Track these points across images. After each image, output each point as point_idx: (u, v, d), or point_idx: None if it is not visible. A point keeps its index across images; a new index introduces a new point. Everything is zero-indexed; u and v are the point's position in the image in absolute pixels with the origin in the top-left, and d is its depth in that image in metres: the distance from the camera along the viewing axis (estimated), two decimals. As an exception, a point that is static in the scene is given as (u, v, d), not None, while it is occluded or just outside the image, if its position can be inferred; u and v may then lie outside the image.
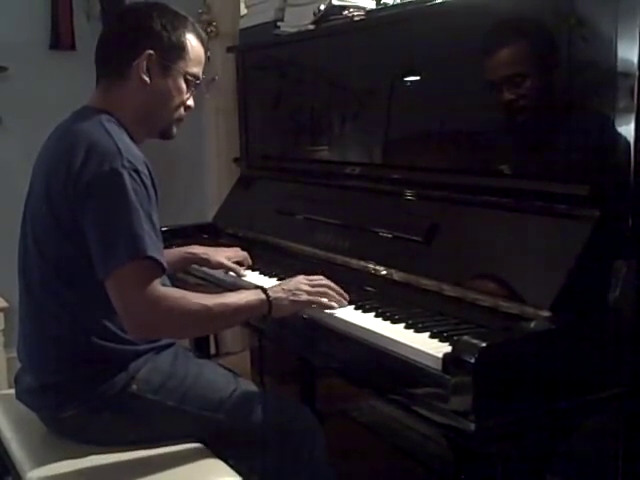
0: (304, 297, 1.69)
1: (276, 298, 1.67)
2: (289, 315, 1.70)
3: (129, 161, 1.55)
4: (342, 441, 2.25)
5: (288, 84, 2.57)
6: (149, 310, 1.53)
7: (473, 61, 1.78)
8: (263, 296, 1.66)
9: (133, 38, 1.69)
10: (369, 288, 1.85)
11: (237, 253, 2.16)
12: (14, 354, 1.80)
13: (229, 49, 2.98)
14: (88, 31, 3.36)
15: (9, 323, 2.97)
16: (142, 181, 1.56)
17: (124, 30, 1.72)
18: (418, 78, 1.97)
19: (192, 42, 1.73)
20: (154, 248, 1.53)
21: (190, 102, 1.78)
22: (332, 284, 1.74)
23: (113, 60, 1.71)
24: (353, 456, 2.29)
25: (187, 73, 1.73)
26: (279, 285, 1.73)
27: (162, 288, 1.55)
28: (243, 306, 1.64)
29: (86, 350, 1.63)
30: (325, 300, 1.71)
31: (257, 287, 1.72)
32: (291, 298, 1.68)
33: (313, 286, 1.72)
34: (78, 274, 1.61)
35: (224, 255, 2.13)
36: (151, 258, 1.52)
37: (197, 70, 1.76)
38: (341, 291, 1.74)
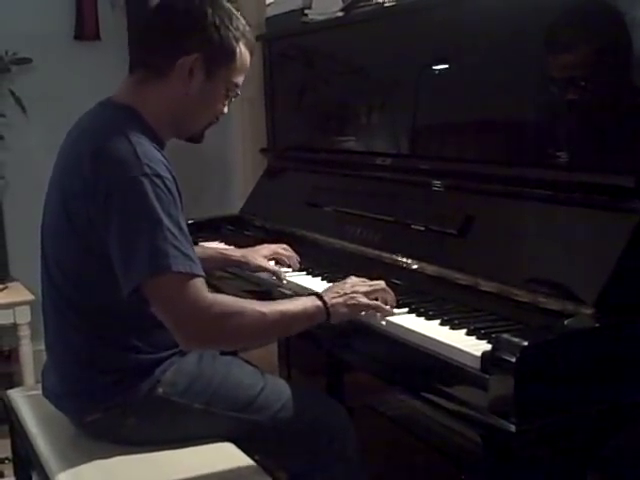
0: (363, 300, 1.59)
1: (334, 304, 1.57)
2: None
3: (149, 166, 1.45)
4: (370, 435, 2.21)
5: (316, 73, 2.52)
6: (198, 319, 1.45)
7: (510, 48, 1.73)
8: (319, 302, 1.57)
9: (182, 34, 1.57)
10: (401, 283, 1.80)
11: (277, 250, 2.04)
12: (41, 347, 1.78)
13: (256, 38, 2.92)
14: (113, 21, 3.38)
15: (35, 316, 2.96)
16: (165, 185, 1.46)
17: (173, 22, 1.59)
18: (452, 66, 1.91)
19: (242, 49, 1.63)
20: (181, 260, 1.43)
21: (225, 109, 1.69)
22: (385, 285, 1.64)
23: (155, 53, 1.60)
24: (381, 450, 2.26)
25: (230, 82, 1.64)
26: (332, 289, 1.62)
27: (211, 295, 1.47)
28: (300, 314, 1.55)
29: (106, 361, 1.58)
30: (385, 305, 1.61)
31: (312, 293, 1.62)
32: (349, 302, 1.58)
33: (369, 287, 1.63)
34: (98, 288, 1.55)
35: (261, 255, 2.01)
36: (178, 272, 1.42)
37: (240, 80, 1.66)
38: (393, 294, 1.64)
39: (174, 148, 1.67)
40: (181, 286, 1.43)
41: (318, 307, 1.56)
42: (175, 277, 1.43)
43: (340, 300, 1.58)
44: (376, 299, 1.63)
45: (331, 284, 1.70)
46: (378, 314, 1.60)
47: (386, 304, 1.62)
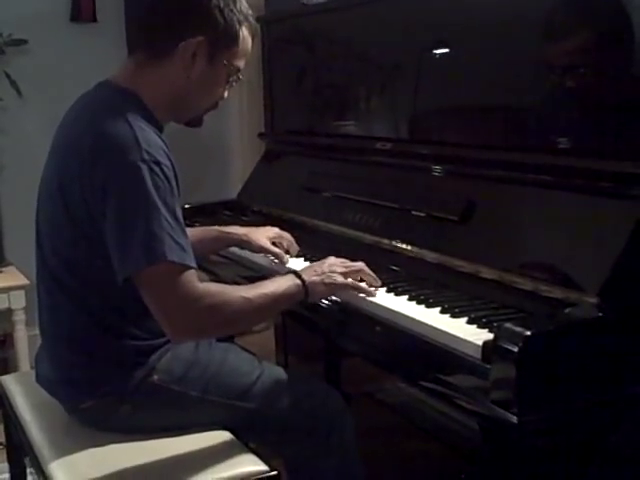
0: (339, 280, 1.63)
1: (311, 282, 1.60)
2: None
3: (148, 152, 1.43)
4: (368, 422, 2.20)
5: (316, 56, 2.49)
6: (189, 311, 1.44)
7: (512, 32, 1.69)
8: (298, 281, 1.59)
9: (186, 16, 1.54)
10: (401, 270, 1.78)
11: (282, 234, 2.03)
12: (36, 332, 1.75)
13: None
14: (109, 3, 3.31)
15: (30, 301, 2.94)
16: (164, 173, 1.44)
17: (177, 4, 1.55)
18: (453, 50, 1.87)
19: (244, 33, 1.60)
20: (176, 250, 1.41)
21: (225, 93, 1.66)
22: (365, 266, 1.68)
23: (158, 35, 1.56)
24: (379, 438, 2.25)
25: (232, 65, 1.61)
26: (311, 267, 1.66)
27: (201, 286, 1.46)
28: (282, 294, 1.56)
29: (101, 347, 1.56)
30: (362, 283, 1.64)
31: (289, 272, 1.64)
32: (326, 281, 1.61)
33: (347, 267, 1.66)
34: (93, 274, 1.53)
35: (265, 236, 2.00)
36: (172, 262, 1.41)
37: (242, 64, 1.63)
38: (374, 275, 1.67)
39: (172, 132, 1.65)
40: (173, 277, 1.42)
41: (298, 286, 1.59)
42: (168, 267, 1.41)
43: (317, 279, 1.61)
44: (361, 280, 1.66)
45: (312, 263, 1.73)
46: (360, 294, 1.62)
47: (370, 286, 1.65)
